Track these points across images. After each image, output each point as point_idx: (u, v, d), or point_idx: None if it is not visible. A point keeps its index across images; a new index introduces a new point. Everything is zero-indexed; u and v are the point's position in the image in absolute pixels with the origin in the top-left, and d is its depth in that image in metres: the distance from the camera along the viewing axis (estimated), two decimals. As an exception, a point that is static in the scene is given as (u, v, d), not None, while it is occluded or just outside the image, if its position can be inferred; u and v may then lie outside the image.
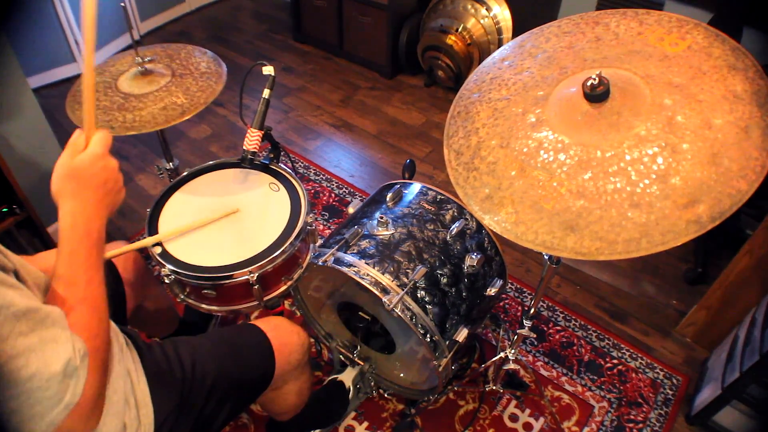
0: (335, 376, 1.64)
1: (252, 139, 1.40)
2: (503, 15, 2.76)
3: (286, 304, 1.95)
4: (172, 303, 1.63)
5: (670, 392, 1.73)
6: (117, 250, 1.27)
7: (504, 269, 1.52)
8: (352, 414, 1.67)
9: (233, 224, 1.38)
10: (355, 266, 1.31)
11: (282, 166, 1.51)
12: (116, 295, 1.29)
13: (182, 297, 1.37)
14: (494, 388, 1.64)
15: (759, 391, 1.44)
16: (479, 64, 1.34)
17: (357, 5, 3.01)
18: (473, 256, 1.38)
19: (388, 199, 1.50)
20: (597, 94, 0.88)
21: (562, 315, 1.95)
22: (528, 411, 1.68)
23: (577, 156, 0.87)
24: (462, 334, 1.36)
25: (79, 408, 0.68)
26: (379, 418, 1.66)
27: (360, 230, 1.42)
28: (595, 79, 0.87)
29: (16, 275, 0.72)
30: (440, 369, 1.33)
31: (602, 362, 1.81)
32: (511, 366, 1.53)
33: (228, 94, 2.91)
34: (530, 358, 1.82)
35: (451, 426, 1.65)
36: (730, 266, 1.63)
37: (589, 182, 0.84)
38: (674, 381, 1.76)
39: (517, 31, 2.74)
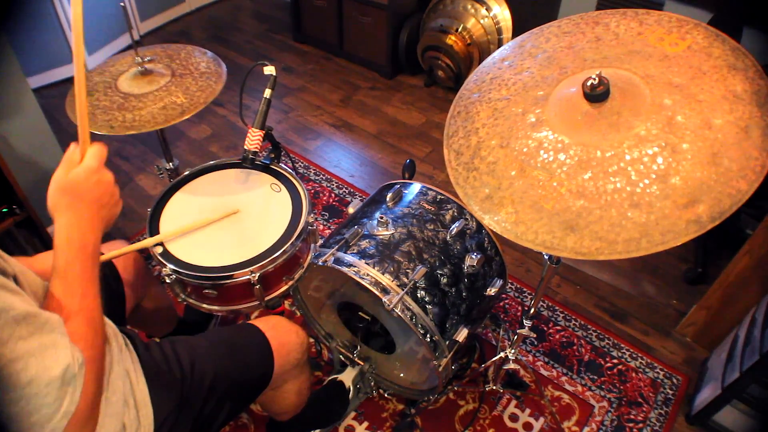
0: (335, 376, 1.65)
1: (253, 139, 1.40)
2: (503, 15, 2.76)
3: (287, 304, 1.95)
4: (171, 303, 1.64)
5: (670, 392, 1.73)
6: (118, 250, 1.27)
7: (504, 269, 1.52)
8: (352, 414, 1.67)
9: (234, 224, 1.38)
10: (355, 266, 1.31)
11: (283, 166, 1.51)
12: (116, 295, 1.29)
13: (183, 297, 1.37)
14: (494, 388, 1.64)
15: (759, 390, 1.44)
16: (479, 64, 1.34)
17: (357, 5, 3.01)
18: (473, 256, 1.38)
19: (388, 199, 1.50)
20: (597, 94, 0.88)
21: (562, 315, 1.95)
22: (528, 411, 1.68)
23: (577, 156, 0.87)
24: (462, 334, 1.36)
25: (75, 418, 0.68)
26: (379, 418, 1.66)
27: (360, 230, 1.42)
28: (595, 79, 0.87)
29: (15, 281, 0.72)
30: (440, 369, 1.33)
31: (602, 362, 1.81)
32: (511, 366, 1.53)
33: (228, 94, 2.91)
34: (530, 358, 1.82)
35: (451, 426, 1.65)
36: (730, 266, 1.63)
37: (589, 182, 0.84)
38: (674, 381, 1.76)
39: (517, 31, 2.74)
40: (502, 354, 1.53)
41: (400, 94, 3.09)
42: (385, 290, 1.28)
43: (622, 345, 1.86)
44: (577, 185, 0.85)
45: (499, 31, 2.79)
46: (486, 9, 2.77)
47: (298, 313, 1.82)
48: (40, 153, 2.01)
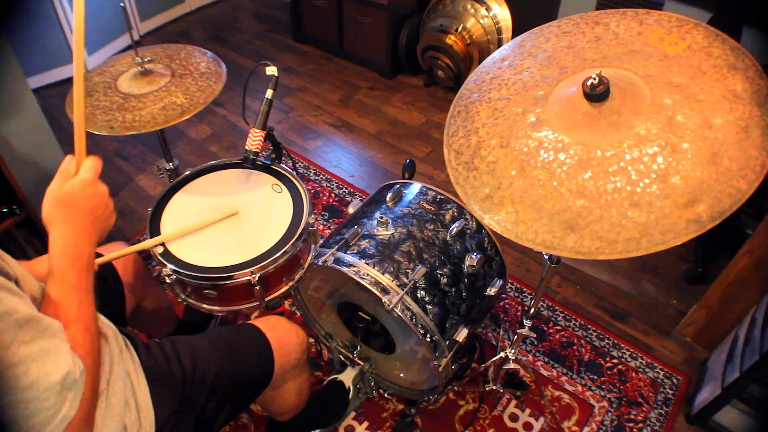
0: (335, 376, 1.65)
1: (254, 140, 1.40)
2: (503, 15, 2.76)
3: (287, 304, 1.95)
4: (171, 303, 1.64)
5: (670, 392, 1.73)
6: (118, 252, 1.27)
7: (504, 269, 1.52)
8: (352, 414, 1.67)
9: (235, 225, 1.38)
10: (355, 266, 1.31)
11: (284, 166, 1.51)
12: (115, 296, 1.29)
13: (183, 297, 1.37)
14: (494, 387, 1.64)
15: (759, 390, 1.44)
16: (479, 64, 1.34)
17: (357, 5, 3.01)
18: (473, 256, 1.38)
19: (388, 199, 1.50)
20: (597, 94, 0.88)
21: (562, 315, 1.95)
22: (528, 411, 1.68)
23: (577, 155, 0.87)
24: (462, 334, 1.36)
25: (72, 424, 0.69)
26: (379, 418, 1.66)
27: (360, 230, 1.42)
28: (595, 79, 0.87)
29: (16, 285, 0.72)
30: (440, 369, 1.33)
31: (602, 362, 1.81)
32: (511, 366, 1.53)
33: (228, 94, 2.91)
34: (530, 357, 1.82)
35: (451, 426, 1.65)
36: (730, 266, 1.63)
37: (589, 182, 0.84)
38: (674, 380, 1.76)
39: (517, 31, 2.74)
40: (502, 354, 1.53)
41: (400, 94, 3.09)
42: (385, 290, 1.28)
43: (622, 345, 1.86)
44: (577, 185, 0.85)
45: (499, 31, 2.79)
46: (486, 9, 2.77)
47: (298, 313, 1.82)
48: (40, 153, 2.01)
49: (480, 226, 1.48)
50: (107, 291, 1.26)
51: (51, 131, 2.02)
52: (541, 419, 1.66)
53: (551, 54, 1.02)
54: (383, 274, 1.30)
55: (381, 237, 1.39)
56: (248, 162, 1.42)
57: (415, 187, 1.56)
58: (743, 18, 2.06)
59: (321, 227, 2.27)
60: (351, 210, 1.57)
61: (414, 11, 3.02)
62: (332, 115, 2.95)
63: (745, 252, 1.58)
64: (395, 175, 2.55)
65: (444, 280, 1.36)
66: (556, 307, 1.98)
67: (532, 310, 1.36)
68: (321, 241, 1.47)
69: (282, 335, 1.20)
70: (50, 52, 2.93)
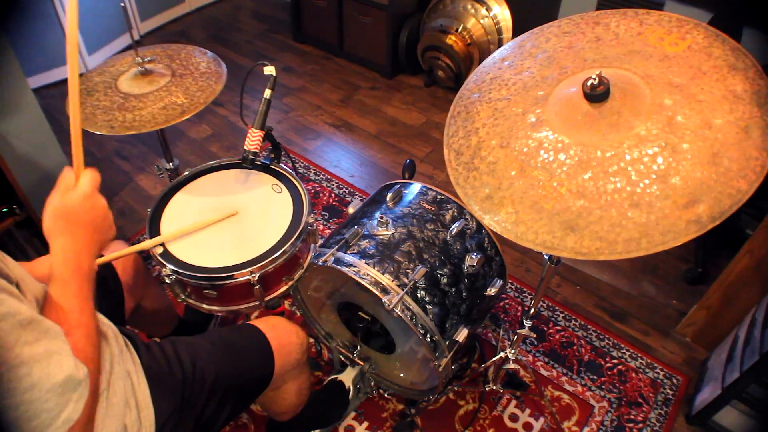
0: (335, 376, 1.65)
1: (253, 139, 1.40)
2: (503, 15, 2.76)
3: (287, 304, 1.95)
4: (170, 303, 1.64)
5: (670, 392, 1.73)
6: (118, 252, 1.27)
7: (504, 269, 1.52)
8: (352, 414, 1.67)
9: (235, 225, 1.38)
10: (355, 266, 1.31)
11: (283, 166, 1.51)
12: (115, 295, 1.29)
13: (183, 297, 1.37)
14: (494, 388, 1.64)
15: (759, 391, 1.44)
16: (479, 64, 1.34)
17: (357, 5, 3.01)
18: (473, 256, 1.38)
19: (388, 199, 1.50)
20: (597, 94, 0.88)
21: (562, 315, 1.95)
22: (528, 411, 1.68)
23: (577, 156, 0.87)
24: (462, 334, 1.36)
25: (74, 430, 0.69)
26: (379, 418, 1.66)
27: (360, 230, 1.42)
28: (595, 79, 0.87)
29: (17, 287, 0.72)
30: (440, 369, 1.33)
31: (602, 362, 1.81)
32: (511, 366, 1.53)
33: (228, 94, 2.91)
34: (530, 358, 1.82)
35: (451, 426, 1.65)
36: (730, 266, 1.63)
37: (589, 182, 0.84)
38: (674, 381, 1.76)
39: (517, 31, 2.74)
40: (502, 354, 1.53)
41: (400, 94, 3.09)
42: (385, 290, 1.28)
43: (622, 345, 1.86)
44: (577, 185, 0.85)
45: (499, 31, 2.79)
46: (486, 9, 2.77)
47: (298, 313, 1.82)
48: (40, 153, 2.01)
49: (480, 227, 1.48)
50: (106, 291, 1.26)
51: (51, 131, 2.02)
52: (541, 419, 1.66)
53: (551, 54, 1.02)
54: (383, 274, 1.30)
55: (381, 237, 1.39)
56: (247, 162, 1.42)
57: (416, 187, 1.56)
58: (743, 18, 2.06)
59: (321, 227, 2.27)
60: (351, 210, 1.57)
61: (414, 11, 3.02)
62: (332, 115, 2.95)
63: (746, 252, 1.58)
64: (395, 175, 2.55)
65: (444, 280, 1.36)
66: (556, 308, 1.98)
67: (532, 310, 1.36)
68: (321, 241, 1.47)
69: (282, 335, 1.20)
70: (50, 52, 2.93)
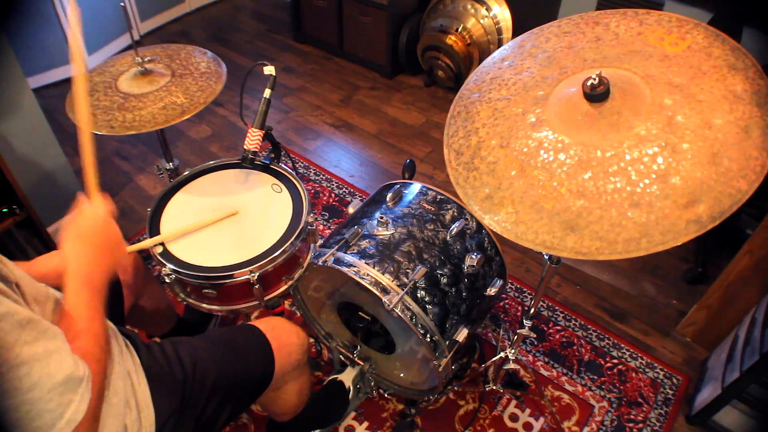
0: (335, 376, 1.65)
1: (253, 139, 1.40)
2: (503, 15, 2.76)
3: (286, 304, 1.95)
4: (170, 302, 1.64)
5: (670, 392, 1.73)
6: (141, 244, 1.27)
7: (504, 269, 1.52)
8: (352, 414, 1.67)
9: (234, 224, 1.38)
10: (355, 266, 1.31)
11: (283, 166, 1.51)
12: (114, 295, 1.29)
13: (183, 296, 1.37)
14: (494, 388, 1.64)
15: (759, 390, 1.44)
16: (479, 64, 1.34)
17: (357, 5, 3.01)
18: (473, 256, 1.38)
19: (388, 199, 1.50)
20: (597, 94, 0.88)
21: (562, 315, 1.95)
22: (528, 411, 1.68)
23: (577, 156, 0.87)
24: (462, 334, 1.36)
25: (78, 429, 0.69)
26: (379, 418, 1.66)
27: (360, 230, 1.42)
28: (595, 79, 0.87)
29: (17, 287, 0.73)
30: (440, 369, 1.33)
31: (602, 362, 1.81)
32: (511, 366, 1.53)
33: (228, 94, 2.91)
34: (530, 358, 1.82)
35: (451, 426, 1.65)
36: (730, 266, 1.63)
37: (589, 182, 0.84)
38: (674, 381, 1.76)
39: (517, 31, 2.74)
40: (502, 354, 1.53)
41: (400, 94, 3.09)
42: (385, 290, 1.28)
43: (622, 345, 1.86)
44: (577, 185, 0.85)
45: (499, 31, 2.79)
46: (486, 9, 2.77)
47: (298, 313, 1.82)
48: (40, 153, 2.01)
49: (480, 226, 1.48)
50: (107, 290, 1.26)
51: (51, 131, 2.02)
52: (541, 419, 1.66)
53: (551, 54, 1.02)
54: (383, 274, 1.30)
55: (381, 237, 1.39)
56: (247, 162, 1.42)
57: (415, 187, 1.56)
58: (743, 18, 2.06)
59: (321, 227, 2.27)
60: (351, 210, 1.57)
61: (414, 11, 3.02)
62: (332, 115, 2.95)
63: (746, 252, 1.58)
64: (395, 175, 2.55)
65: (444, 280, 1.36)
66: (556, 307, 1.98)
67: (532, 310, 1.36)
68: (321, 241, 1.47)
69: (282, 336, 1.20)
70: (50, 52, 2.93)
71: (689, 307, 1.87)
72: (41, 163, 2.02)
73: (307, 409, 1.42)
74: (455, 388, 1.71)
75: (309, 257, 1.42)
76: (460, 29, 2.80)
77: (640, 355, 1.83)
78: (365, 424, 1.65)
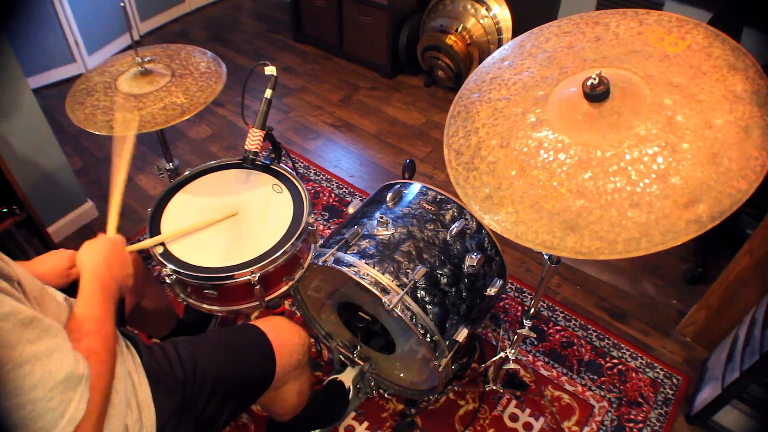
0: (335, 376, 1.65)
1: (254, 139, 1.40)
2: (503, 15, 2.76)
3: (287, 304, 1.95)
4: (170, 303, 1.64)
5: (670, 392, 1.73)
6: (141, 243, 1.27)
7: (504, 269, 1.52)
8: (352, 414, 1.67)
9: (235, 225, 1.38)
10: (355, 266, 1.31)
11: (283, 166, 1.51)
12: None
13: (183, 297, 1.37)
14: (494, 388, 1.64)
15: (759, 390, 1.44)
16: (479, 64, 1.34)
17: (357, 5, 3.01)
18: (473, 256, 1.38)
19: (388, 199, 1.50)
20: (597, 94, 0.88)
21: (562, 315, 1.95)
22: (528, 411, 1.68)
23: (577, 156, 0.87)
24: (462, 334, 1.36)
25: (82, 427, 0.70)
26: (379, 418, 1.66)
27: (360, 230, 1.42)
28: (595, 79, 0.87)
29: (19, 285, 0.73)
30: (440, 369, 1.33)
31: (602, 362, 1.81)
32: (511, 366, 1.53)
33: (228, 94, 2.91)
34: (530, 357, 1.82)
35: (451, 426, 1.65)
36: (730, 266, 1.63)
37: (589, 182, 0.84)
38: (674, 381, 1.76)
39: (517, 31, 2.74)
40: (502, 354, 1.53)
41: (400, 94, 3.09)
42: (385, 290, 1.28)
43: (622, 345, 1.86)
44: (577, 185, 0.85)
45: (499, 31, 2.79)
46: (486, 9, 2.77)
47: (298, 314, 1.82)
48: (40, 153, 2.01)
49: (480, 226, 1.48)
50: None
51: (51, 131, 2.02)
52: (541, 419, 1.66)
53: (551, 54, 1.02)
54: (383, 274, 1.30)
55: (381, 237, 1.39)
56: (248, 162, 1.42)
57: (415, 187, 1.56)
58: (743, 18, 2.06)
59: (321, 227, 2.27)
60: (351, 210, 1.57)
61: (414, 11, 3.02)
62: (332, 115, 2.95)
63: (746, 252, 1.58)
64: (395, 175, 2.55)
65: (444, 280, 1.36)
66: (556, 307, 1.98)
67: (532, 310, 1.36)
68: (321, 241, 1.47)
69: (283, 336, 1.20)
70: (50, 52, 2.93)
71: (689, 307, 1.87)
72: (41, 163, 2.02)
73: (307, 409, 1.42)
74: (455, 388, 1.71)
75: (309, 258, 1.42)
76: (460, 29, 2.80)
77: (640, 355, 1.83)
78: (365, 424, 1.65)
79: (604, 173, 0.84)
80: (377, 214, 1.44)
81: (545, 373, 1.78)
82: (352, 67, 3.30)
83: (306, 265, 1.42)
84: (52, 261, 1.07)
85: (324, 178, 2.52)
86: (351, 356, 1.66)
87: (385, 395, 1.70)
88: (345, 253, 1.36)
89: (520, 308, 1.97)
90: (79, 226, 2.27)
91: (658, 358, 1.82)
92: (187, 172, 1.51)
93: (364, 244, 1.38)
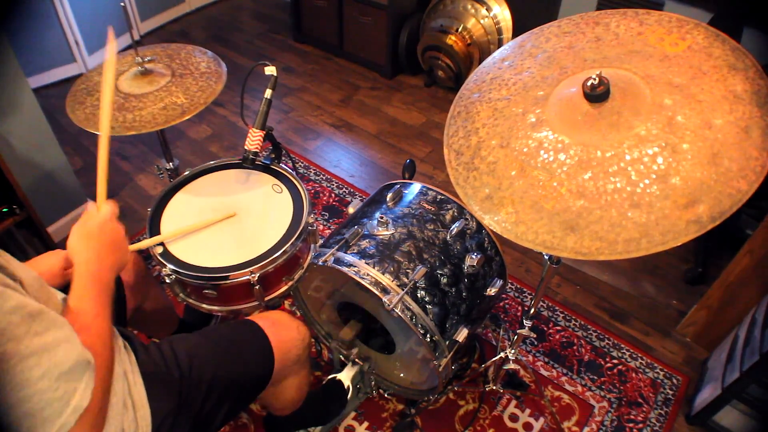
0: (335, 375, 1.64)
1: (254, 139, 1.40)
2: (503, 15, 2.76)
3: (287, 304, 1.95)
4: (171, 303, 1.63)
5: (670, 392, 1.73)
6: (145, 242, 1.27)
7: (504, 269, 1.52)
8: (352, 414, 1.67)
9: (235, 225, 1.38)
10: (355, 266, 1.31)
11: (283, 166, 1.51)
12: (116, 296, 1.29)
13: (183, 297, 1.37)
14: (494, 388, 1.64)
15: (759, 391, 1.44)
16: (479, 64, 1.34)
17: (357, 5, 3.01)
18: (473, 256, 1.38)
19: (388, 199, 1.50)
20: (597, 94, 0.88)
21: (562, 315, 1.95)
22: (528, 411, 1.68)
23: (577, 156, 0.87)
24: (462, 334, 1.36)
25: (84, 419, 0.70)
26: (379, 418, 1.66)
27: (360, 230, 1.42)
28: (595, 79, 0.87)
29: (21, 286, 0.73)
30: (440, 369, 1.33)
31: (602, 362, 1.81)
32: (511, 366, 1.53)
33: (228, 94, 2.91)
34: (530, 358, 1.82)
35: (451, 426, 1.65)
36: (730, 266, 1.63)
37: (589, 182, 0.84)
38: (674, 381, 1.76)
39: (517, 31, 2.74)
40: (502, 354, 1.53)
41: (400, 94, 3.09)
42: (385, 290, 1.28)
43: (622, 345, 1.86)
44: (577, 185, 0.85)
45: (499, 31, 2.79)
46: (486, 9, 2.77)
47: (298, 313, 1.82)
48: (40, 153, 2.01)
49: (480, 227, 1.48)
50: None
51: (51, 131, 2.02)
52: (541, 419, 1.66)
53: (551, 54, 1.02)
54: (383, 274, 1.30)
55: (381, 237, 1.39)
56: (248, 162, 1.42)
57: (416, 187, 1.56)
58: (743, 18, 2.06)
59: (321, 227, 2.27)
60: (351, 210, 1.57)
61: (414, 11, 3.02)
62: (332, 115, 2.95)
63: (746, 252, 1.58)
64: (395, 175, 2.55)
65: (444, 280, 1.36)
66: (556, 308, 1.98)
67: (532, 311, 1.36)
68: (321, 241, 1.47)
69: (282, 332, 1.20)
70: (50, 52, 2.93)
71: (689, 307, 1.87)
72: (41, 163, 2.02)
73: (306, 405, 1.41)
74: (455, 388, 1.71)
75: (309, 258, 1.42)
76: (460, 29, 2.80)
77: (640, 355, 1.83)
78: (365, 424, 1.65)
79: (604, 173, 0.84)
80: (377, 214, 1.44)
81: (545, 373, 1.78)
82: (352, 67, 3.30)
83: (306, 265, 1.42)
84: (48, 262, 1.07)
85: (324, 178, 2.52)
86: (351, 356, 1.66)
87: (385, 395, 1.70)
88: (345, 253, 1.36)
89: (520, 308, 1.97)
90: (79, 226, 2.27)
91: (658, 358, 1.82)
92: (187, 172, 1.51)
93: (364, 244, 1.38)
